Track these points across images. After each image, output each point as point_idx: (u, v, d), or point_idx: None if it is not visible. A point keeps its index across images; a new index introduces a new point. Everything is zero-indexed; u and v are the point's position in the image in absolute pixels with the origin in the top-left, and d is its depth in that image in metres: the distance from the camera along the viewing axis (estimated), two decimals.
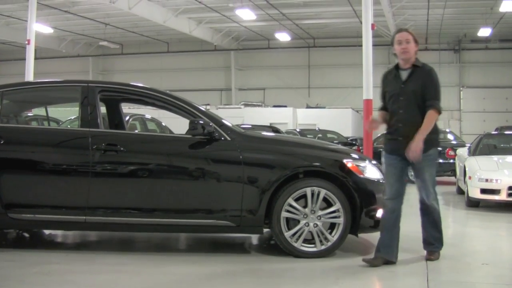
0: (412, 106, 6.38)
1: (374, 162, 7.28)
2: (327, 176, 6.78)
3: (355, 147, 19.99)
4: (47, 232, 8.29)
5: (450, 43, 35.85)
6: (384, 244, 6.44)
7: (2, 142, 6.84)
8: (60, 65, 40.60)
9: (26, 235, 8.24)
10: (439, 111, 6.35)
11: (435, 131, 6.47)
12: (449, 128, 28.23)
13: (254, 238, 8.15)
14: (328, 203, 6.70)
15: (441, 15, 29.04)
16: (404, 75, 6.51)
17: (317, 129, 25.24)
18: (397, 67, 6.62)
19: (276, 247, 6.95)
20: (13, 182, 6.84)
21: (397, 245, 6.49)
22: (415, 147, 6.21)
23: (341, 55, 35.29)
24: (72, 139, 7.17)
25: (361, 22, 18.29)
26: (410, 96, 6.40)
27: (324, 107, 32.05)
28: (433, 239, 6.69)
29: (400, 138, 6.42)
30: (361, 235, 7.12)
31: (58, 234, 8.26)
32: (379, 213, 6.71)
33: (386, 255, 6.41)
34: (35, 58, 21.94)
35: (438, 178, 16.90)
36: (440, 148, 17.66)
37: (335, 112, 30.48)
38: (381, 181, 6.89)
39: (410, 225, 7.45)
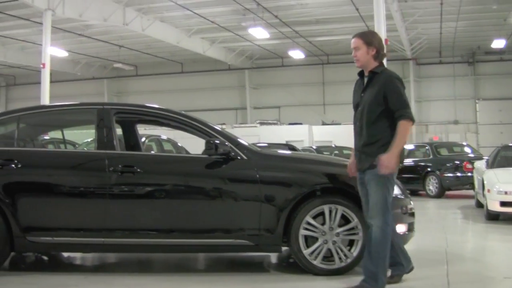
0: (367, 117, 5.92)
1: None
2: (344, 192, 6.74)
3: None
4: (65, 254, 8.29)
5: (464, 55, 35.69)
6: (391, 263, 6.07)
7: (19, 166, 6.87)
8: (75, 88, 40.85)
9: (45, 258, 8.24)
10: (411, 120, 5.77)
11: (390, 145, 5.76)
12: (466, 141, 28.02)
13: (273, 257, 8.11)
14: (346, 220, 6.65)
15: (454, 28, 28.96)
16: (365, 83, 6.09)
17: (333, 145, 25.18)
18: (362, 74, 6.20)
19: (295, 265, 6.90)
20: (31, 205, 6.86)
21: (404, 256, 6.23)
22: (388, 161, 5.65)
23: (355, 71, 35.08)
24: (88, 161, 7.17)
25: None
26: (365, 105, 5.95)
27: (339, 124, 31.97)
28: (365, 272, 5.91)
29: (357, 152, 6.08)
30: None
31: (77, 256, 8.26)
32: (398, 228, 6.65)
33: (399, 271, 6.23)
34: (51, 82, 22.13)
35: (457, 192, 16.83)
36: (458, 162, 17.52)
37: (351, 128, 30.30)
38: (399, 197, 6.83)
39: (430, 239, 7.41)
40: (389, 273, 5.97)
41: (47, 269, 7.78)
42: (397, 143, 5.70)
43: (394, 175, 5.89)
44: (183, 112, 7.48)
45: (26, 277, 6.91)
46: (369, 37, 5.98)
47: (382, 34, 17.08)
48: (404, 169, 19.95)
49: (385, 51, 6.08)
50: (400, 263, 6.17)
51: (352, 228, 6.62)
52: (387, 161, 5.65)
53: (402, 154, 5.91)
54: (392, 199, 5.92)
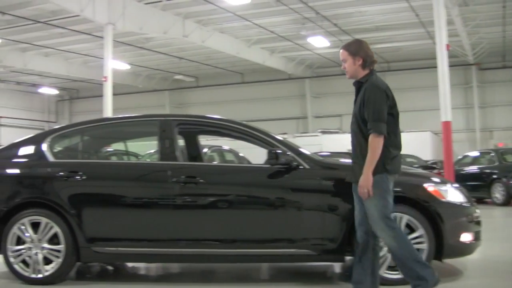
0: (354, 128, 5.86)
1: (456, 185, 7.08)
2: (409, 201, 6.63)
3: (435, 171, 19.64)
4: (130, 264, 8.38)
5: None
6: (355, 278, 5.94)
7: (84, 177, 6.98)
8: (137, 100, 41.35)
9: (110, 268, 8.34)
10: (379, 134, 5.60)
11: (382, 155, 5.65)
12: None
13: (336, 266, 8.05)
14: (410, 229, 6.54)
15: None
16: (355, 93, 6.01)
17: None
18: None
19: None
20: (96, 216, 6.97)
21: (373, 278, 5.88)
22: (364, 182, 5.58)
23: (416, 78, 34.78)
24: (151, 172, 7.25)
25: (435, 44, 18.05)
26: (353, 117, 5.88)
27: (402, 131, 31.55)
28: (409, 281, 5.78)
29: (352, 163, 5.94)
30: (446, 260, 6.92)
31: (141, 266, 8.34)
32: (464, 237, 6.53)
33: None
34: (113, 94, 22.45)
35: None
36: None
37: (414, 136, 29.96)
38: (464, 205, 6.72)
39: (497, 248, 7.25)
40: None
41: (112, 279, 7.88)
42: (368, 161, 5.61)
43: (390, 184, 5.77)
44: (244, 122, 7.49)
45: (92, 286, 7.01)
46: (353, 48, 5.90)
47: (443, 39, 16.86)
48: (469, 177, 19.65)
49: (374, 58, 5.94)
50: (363, 283, 5.87)
51: (417, 237, 6.50)
52: (363, 183, 5.60)
53: (397, 163, 5.84)
54: (391, 206, 5.75)
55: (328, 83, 38.44)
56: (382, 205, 5.67)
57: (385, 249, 6.43)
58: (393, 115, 5.82)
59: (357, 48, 5.89)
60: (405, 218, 6.50)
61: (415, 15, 24.80)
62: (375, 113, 5.64)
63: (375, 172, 5.62)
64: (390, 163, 5.72)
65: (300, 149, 6.98)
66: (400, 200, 6.59)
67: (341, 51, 5.96)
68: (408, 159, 23.00)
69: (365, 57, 5.86)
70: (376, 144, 5.59)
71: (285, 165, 6.67)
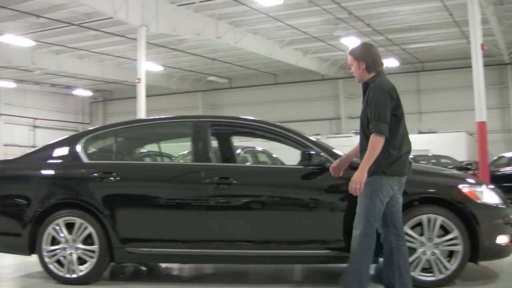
0: (361, 129, 5.92)
1: (491, 186, 6.99)
2: (443, 202, 6.57)
3: (470, 172, 19.45)
4: (163, 265, 8.41)
5: None
6: (385, 282, 5.96)
7: (118, 178, 7.03)
8: (170, 102, 41.53)
9: (143, 268, 8.38)
10: (380, 134, 5.62)
11: (381, 156, 5.66)
12: None
13: (370, 268, 7.99)
14: (445, 230, 6.47)
15: None
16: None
17: (430, 154, 24.73)
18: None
19: None
20: (129, 217, 7.02)
21: (400, 280, 5.82)
22: (357, 177, 5.63)
23: (451, 78, 34.47)
24: (185, 173, 7.26)
25: (469, 43, 17.87)
26: (361, 117, 5.95)
27: (436, 132, 31.37)
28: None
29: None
30: (481, 262, 6.81)
31: (174, 267, 8.37)
32: (500, 239, 6.46)
33: None
34: (146, 96, 22.55)
35: None
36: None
37: (448, 136, 29.75)
38: (500, 206, 6.64)
39: None
40: None
41: (146, 280, 7.93)
42: (366, 158, 5.65)
43: (385, 187, 5.72)
44: (277, 123, 7.48)
45: (125, 287, 7.06)
46: (356, 52, 6.02)
47: (478, 39, 16.66)
48: (504, 178, 19.40)
49: (379, 61, 6.00)
50: (392, 286, 5.87)
51: (452, 239, 6.43)
52: (356, 179, 5.64)
53: (400, 165, 5.79)
54: (379, 211, 5.73)
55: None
56: (367, 206, 5.70)
57: (420, 250, 6.40)
58: (396, 116, 5.82)
59: (361, 53, 5.99)
60: (439, 220, 6.43)
61: (449, 15, 24.56)
62: (377, 113, 5.68)
63: (370, 173, 5.67)
64: (388, 164, 5.72)
65: (334, 150, 6.95)
66: (435, 201, 6.54)
67: (348, 56, 6.10)
68: (443, 160, 22.85)
69: (368, 61, 5.94)
70: (375, 143, 5.62)
71: (318, 166, 6.63)
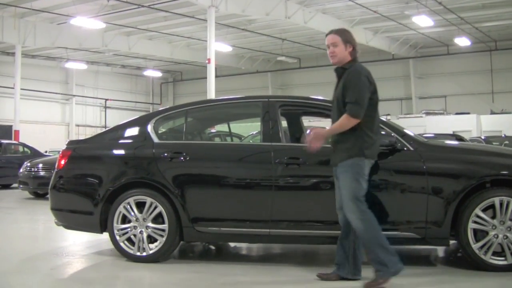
0: (336, 113, 5.97)
1: None
2: None
3: None
4: (232, 244, 8.46)
5: None
6: (337, 260, 6.11)
7: (188, 158, 7.08)
8: (239, 82, 41.74)
9: (212, 247, 8.45)
10: (354, 117, 5.72)
11: (361, 139, 5.80)
12: None
13: (440, 251, 7.88)
14: None
15: None
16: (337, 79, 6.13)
17: (503, 135, 24.20)
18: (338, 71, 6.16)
19: (463, 260, 6.68)
20: (199, 197, 7.07)
21: (354, 260, 6.05)
22: (316, 134, 5.88)
23: None
24: (254, 153, 7.27)
25: None
26: (335, 102, 6.02)
27: (510, 113, 30.67)
28: (373, 265, 5.82)
29: (330, 146, 6.12)
30: None
31: (243, 246, 8.40)
32: None
33: (339, 271, 6.09)
34: (216, 76, 22.68)
35: None
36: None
37: None
38: None
39: None
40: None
41: (214, 259, 7.99)
42: (332, 128, 5.91)
43: (366, 169, 5.87)
44: None
45: (195, 265, 7.11)
46: (346, 35, 6.05)
47: None
48: None
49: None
50: (343, 265, 6.06)
51: None
52: (314, 134, 5.87)
53: (376, 149, 5.98)
54: (363, 189, 5.84)
55: (432, 63, 37.71)
56: (355, 187, 5.79)
57: (492, 233, 6.26)
58: (373, 100, 5.92)
59: (349, 36, 6.06)
60: None
61: None
62: (355, 96, 5.78)
63: (352, 155, 5.80)
64: (368, 147, 5.84)
65: (404, 131, 6.85)
66: (507, 183, 6.39)
67: (330, 35, 6.09)
68: None
69: (354, 45, 6.05)
70: (346, 122, 5.77)
71: (389, 147, 6.53)
